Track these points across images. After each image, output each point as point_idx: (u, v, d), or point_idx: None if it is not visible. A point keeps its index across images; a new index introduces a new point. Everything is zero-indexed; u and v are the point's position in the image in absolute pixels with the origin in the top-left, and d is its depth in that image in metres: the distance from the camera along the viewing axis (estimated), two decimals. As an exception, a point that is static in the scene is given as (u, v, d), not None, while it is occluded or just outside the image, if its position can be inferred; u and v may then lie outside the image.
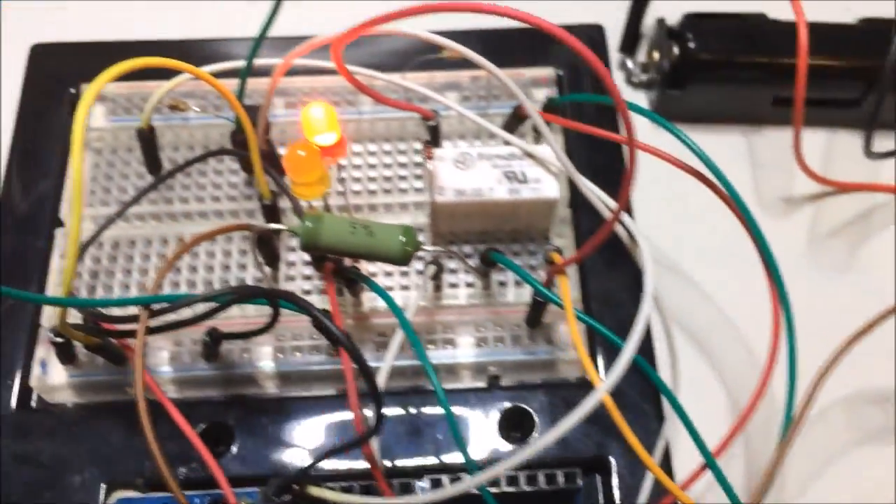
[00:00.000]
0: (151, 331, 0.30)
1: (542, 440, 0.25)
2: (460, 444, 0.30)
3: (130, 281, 0.38)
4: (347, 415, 0.35)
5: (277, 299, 0.30)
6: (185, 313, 0.31)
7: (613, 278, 0.38)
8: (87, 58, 0.44)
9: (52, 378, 0.35)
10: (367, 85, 0.41)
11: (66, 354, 0.35)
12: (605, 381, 0.26)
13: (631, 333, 0.27)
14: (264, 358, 0.36)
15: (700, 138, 0.43)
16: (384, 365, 0.31)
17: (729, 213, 0.33)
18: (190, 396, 0.36)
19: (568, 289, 0.32)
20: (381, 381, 0.30)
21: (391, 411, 0.35)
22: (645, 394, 0.36)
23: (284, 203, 0.37)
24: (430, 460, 0.34)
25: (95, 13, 0.50)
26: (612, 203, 0.34)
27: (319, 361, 0.36)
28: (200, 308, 0.31)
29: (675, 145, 0.33)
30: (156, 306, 0.30)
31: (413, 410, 0.35)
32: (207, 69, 0.38)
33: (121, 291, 0.37)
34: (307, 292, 0.37)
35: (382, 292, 0.32)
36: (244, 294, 0.29)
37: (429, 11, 0.28)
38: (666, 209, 0.42)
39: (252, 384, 0.36)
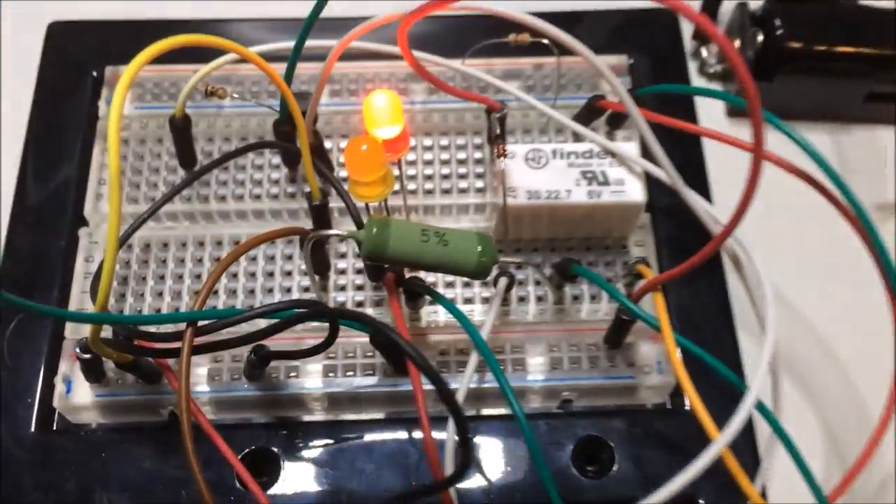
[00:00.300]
0: (197, 350, 0.27)
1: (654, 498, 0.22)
2: (549, 484, 0.27)
3: (163, 288, 0.34)
4: (402, 437, 0.31)
5: (339, 319, 0.26)
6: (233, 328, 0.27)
7: (695, 291, 0.34)
8: (111, 37, 0.41)
9: (77, 397, 0.32)
10: (427, 71, 0.37)
11: (93, 371, 0.31)
12: (723, 434, 0.22)
13: (752, 380, 0.24)
14: (313, 378, 0.32)
15: (781, 137, 0.40)
16: (461, 388, 0.27)
17: (831, 223, 0.30)
18: (229, 418, 0.33)
19: (664, 308, 0.28)
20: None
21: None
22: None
23: (334, 202, 0.33)
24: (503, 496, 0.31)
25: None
26: (715, 213, 0.30)
27: (373, 384, 0.32)
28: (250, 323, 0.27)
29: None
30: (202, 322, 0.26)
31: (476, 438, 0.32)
32: (258, 49, 0.34)
33: (152, 299, 0.34)
34: (360, 304, 0.33)
35: (456, 310, 0.28)
36: (307, 310, 0.26)
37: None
38: (758, 215, 0.38)
39: (298, 407, 0.33)
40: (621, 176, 0.32)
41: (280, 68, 0.30)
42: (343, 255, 0.34)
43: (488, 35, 0.36)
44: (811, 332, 0.36)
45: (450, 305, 0.29)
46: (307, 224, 0.34)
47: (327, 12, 0.36)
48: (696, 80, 0.42)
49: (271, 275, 0.34)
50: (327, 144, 0.37)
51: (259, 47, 0.34)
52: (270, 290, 0.34)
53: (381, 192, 0.28)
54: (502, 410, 0.33)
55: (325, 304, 0.27)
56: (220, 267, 0.26)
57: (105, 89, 0.39)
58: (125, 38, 0.41)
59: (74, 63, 0.40)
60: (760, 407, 0.26)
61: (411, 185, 0.36)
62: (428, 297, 0.31)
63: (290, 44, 0.31)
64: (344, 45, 0.29)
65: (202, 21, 0.41)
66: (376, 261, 0.27)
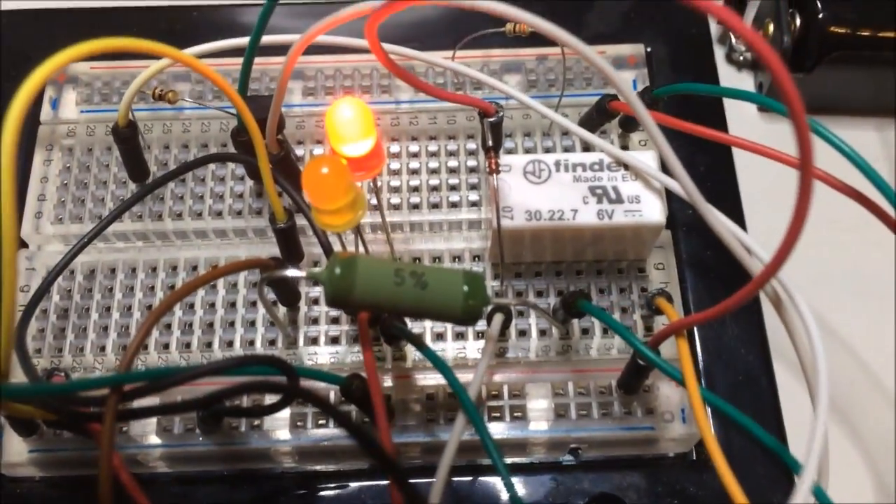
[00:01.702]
0: (124, 416, 0.22)
1: None
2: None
3: (109, 322, 0.29)
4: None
5: (295, 376, 0.22)
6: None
7: (728, 323, 0.30)
8: (59, 28, 0.36)
9: (9, 453, 0.28)
10: (408, 70, 0.32)
11: (23, 426, 0.27)
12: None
13: (808, 457, 0.19)
14: (279, 430, 0.28)
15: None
16: (439, 476, 0.22)
17: (879, 237, 0.25)
18: (188, 471, 0.28)
19: (688, 358, 0.23)
20: (437, 496, 0.22)
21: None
22: (775, 479, 0.27)
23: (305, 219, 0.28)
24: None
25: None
26: (748, 240, 0.25)
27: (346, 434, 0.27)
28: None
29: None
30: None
31: (469, 492, 0.27)
32: (202, 48, 0.29)
33: (96, 336, 0.29)
34: (335, 339, 0.29)
35: (440, 363, 0.24)
36: (260, 381, 0.21)
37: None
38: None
39: (265, 459, 0.28)
40: (637, 192, 0.27)
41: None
42: (316, 282, 0.30)
43: (485, 23, 0.31)
44: (856, 360, 0.31)
45: (434, 357, 0.24)
46: (276, 248, 0.29)
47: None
48: (724, 69, 0.37)
49: (233, 305, 0.30)
50: (300, 151, 0.32)
51: (213, 44, 0.29)
52: (231, 324, 0.29)
53: (350, 219, 0.24)
54: (511, 460, 0.28)
55: (282, 360, 0.22)
56: (152, 317, 0.22)
57: (49, 89, 0.34)
58: (78, 29, 0.36)
59: (19, 57, 0.35)
60: (818, 493, 0.21)
61: (395, 199, 0.31)
62: (411, 336, 0.26)
63: (244, 41, 0.26)
64: (303, 45, 0.24)
65: (166, 8, 0.37)
66: (341, 306, 0.23)
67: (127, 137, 0.29)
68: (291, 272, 0.23)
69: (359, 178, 0.25)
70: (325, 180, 0.23)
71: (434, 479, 0.22)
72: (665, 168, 0.25)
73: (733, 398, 0.28)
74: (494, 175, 0.27)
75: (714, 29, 0.36)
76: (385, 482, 0.26)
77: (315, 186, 0.23)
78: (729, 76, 0.36)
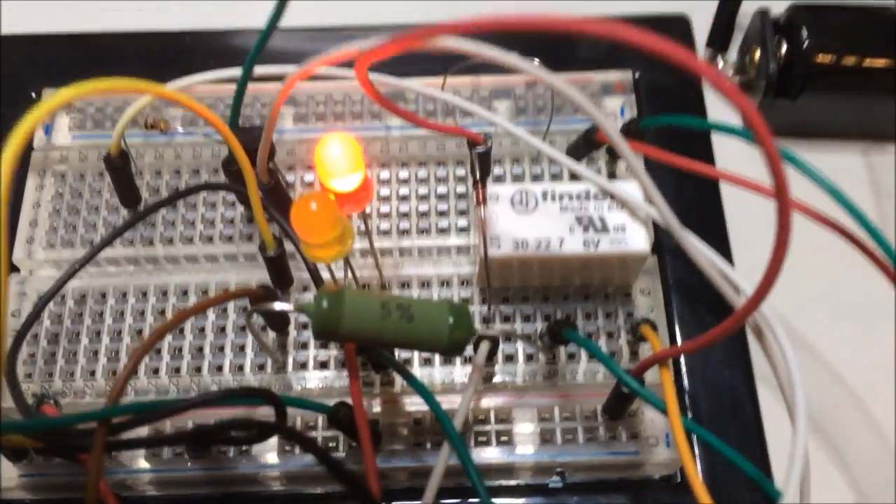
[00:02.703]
0: (112, 447, 0.23)
1: None
2: None
3: (99, 347, 0.30)
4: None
5: (283, 408, 0.22)
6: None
7: (712, 347, 0.30)
8: (55, 54, 0.37)
9: (1, 478, 0.28)
10: (399, 93, 0.33)
11: (14, 453, 0.27)
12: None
13: (786, 486, 0.19)
14: (267, 454, 0.28)
15: (808, 158, 0.35)
16: (432, 482, 0.23)
17: (855, 264, 0.25)
18: (177, 494, 0.29)
19: (672, 388, 0.24)
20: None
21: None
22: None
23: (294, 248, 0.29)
24: None
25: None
26: (738, 279, 0.25)
27: (339, 459, 0.28)
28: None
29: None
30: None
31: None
32: (190, 80, 0.30)
33: (87, 361, 0.29)
34: (323, 364, 0.29)
35: (426, 392, 0.24)
36: (241, 421, 0.21)
37: (487, 30, 0.20)
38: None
39: (253, 483, 0.28)
40: (622, 221, 0.27)
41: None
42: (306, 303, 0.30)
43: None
44: (839, 383, 0.32)
45: (418, 384, 0.25)
46: (266, 274, 0.29)
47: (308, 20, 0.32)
48: (711, 95, 0.37)
49: (223, 330, 0.30)
50: (291, 177, 0.32)
51: (205, 74, 0.29)
52: (221, 349, 0.29)
53: (338, 251, 0.24)
54: (499, 482, 0.29)
55: (269, 391, 0.22)
56: (141, 350, 0.22)
57: (43, 114, 0.34)
58: (72, 55, 0.37)
59: (13, 82, 0.36)
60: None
61: (384, 225, 0.31)
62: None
63: (232, 72, 0.27)
64: (291, 84, 0.24)
65: (158, 33, 0.37)
66: (329, 339, 0.23)
67: (119, 167, 0.30)
68: (279, 305, 0.23)
69: (347, 211, 0.25)
70: (314, 216, 0.23)
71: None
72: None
73: (717, 422, 0.29)
74: (482, 206, 0.27)
75: (702, 53, 0.37)
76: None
77: (304, 222, 0.23)
78: (716, 102, 0.37)
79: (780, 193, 0.17)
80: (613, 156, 0.32)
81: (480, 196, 0.27)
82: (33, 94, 0.35)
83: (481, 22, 0.20)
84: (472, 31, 0.22)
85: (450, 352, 0.23)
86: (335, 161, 0.24)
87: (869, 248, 0.25)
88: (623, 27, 0.17)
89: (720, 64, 0.37)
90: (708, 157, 0.33)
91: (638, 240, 0.27)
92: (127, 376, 0.22)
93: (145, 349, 0.22)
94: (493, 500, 0.27)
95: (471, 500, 0.28)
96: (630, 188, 0.28)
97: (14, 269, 0.31)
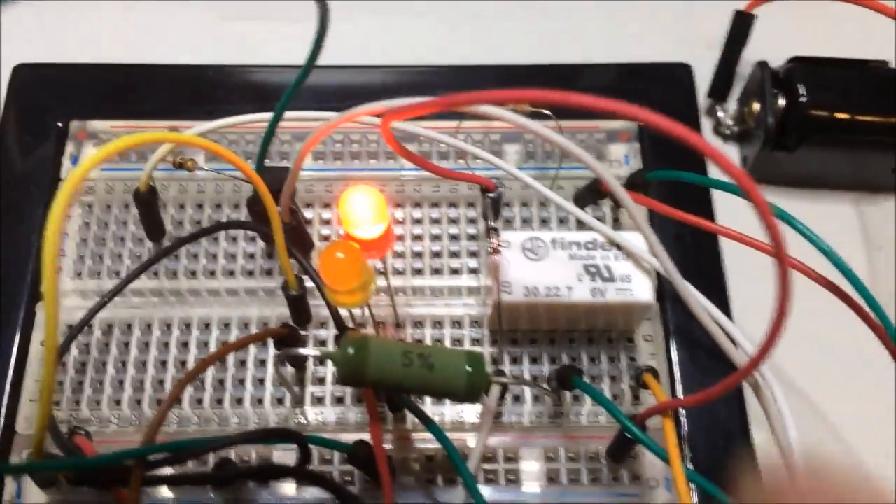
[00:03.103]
0: (146, 482, 0.24)
1: None
2: None
3: (125, 377, 0.31)
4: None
5: (308, 450, 0.24)
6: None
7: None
8: (80, 84, 0.38)
9: (28, 500, 0.29)
10: (407, 143, 0.34)
11: (42, 478, 0.28)
12: None
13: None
14: (286, 487, 0.29)
15: (801, 208, 0.36)
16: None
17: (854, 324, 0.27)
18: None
19: (674, 437, 0.25)
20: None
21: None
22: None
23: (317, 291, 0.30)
24: None
25: (103, 27, 0.42)
26: (738, 333, 0.27)
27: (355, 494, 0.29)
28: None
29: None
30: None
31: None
32: (224, 122, 0.31)
33: (112, 390, 0.31)
34: (339, 400, 0.31)
35: (442, 436, 0.26)
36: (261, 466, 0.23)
37: (514, 101, 0.22)
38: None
39: (272, 514, 0.30)
40: (628, 271, 0.29)
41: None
42: (323, 342, 0.31)
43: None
44: (834, 434, 0.33)
45: (436, 430, 0.26)
46: (285, 308, 0.31)
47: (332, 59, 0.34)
48: (711, 140, 0.39)
49: (243, 363, 0.31)
50: (309, 214, 0.34)
51: (232, 119, 0.31)
52: (241, 382, 0.31)
53: (362, 298, 0.25)
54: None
55: (297, 433, 0.24)
56: (173, 396, 0.23)
57: (70, 144, 0.35)
58: (98, 84, 0.38)
59: (40, 111, 0.37)
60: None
61: (398, 264, 0.33)
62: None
63: (266, 115, 0.28)
64: (318, 139, 0.26)
65: (182, 66, 0.38)
66: (353, 385, 0.24)
67: (147, 201, 0.31)
68: (306, 351, 0.25)
69: (370, 258, 0.27)
70: (341, 265, 0.24)
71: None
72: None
73: (716, 466, 0.30)
74: (496, 254, 0.28)
75: (702, 102, 0.38)
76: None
77: (331, 270, 0.25)
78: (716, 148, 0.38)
79: (780, 259, 0.19)
80: (618, 204, 0.33)
81: (494, 247, 0.28)
82: (59, 125, 0.36)
83: (509, 96, 0.22)
84: (501, 101, 0.24)
85: (467, 399, 0.25)
86: (360, 213, 0.25)
87: (861, 306, 0.26)
88: (632, 107, 0.19)
89: (720, 114, 0.38)
90: (707, 206, 0.35)
91: (643, 290, 0.29)
92: (162, 416, 0.23)
93: (178, 392, 0.23)
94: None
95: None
96: (634, 238, 0.29)
97: (41, 297, 0.32)
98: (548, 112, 0.31)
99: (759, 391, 0.25)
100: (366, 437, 0.27)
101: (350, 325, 0.29)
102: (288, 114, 0.30)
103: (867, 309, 0.26)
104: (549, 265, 0.29)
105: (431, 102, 0.23)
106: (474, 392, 0.24)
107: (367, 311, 0.30)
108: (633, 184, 0.31)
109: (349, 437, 0.28)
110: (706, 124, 0.39)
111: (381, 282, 0.32)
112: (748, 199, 0.19)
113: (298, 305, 0.30)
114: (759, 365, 0.22)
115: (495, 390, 0.27)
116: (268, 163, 0.34)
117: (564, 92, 0.20)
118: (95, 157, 0.22)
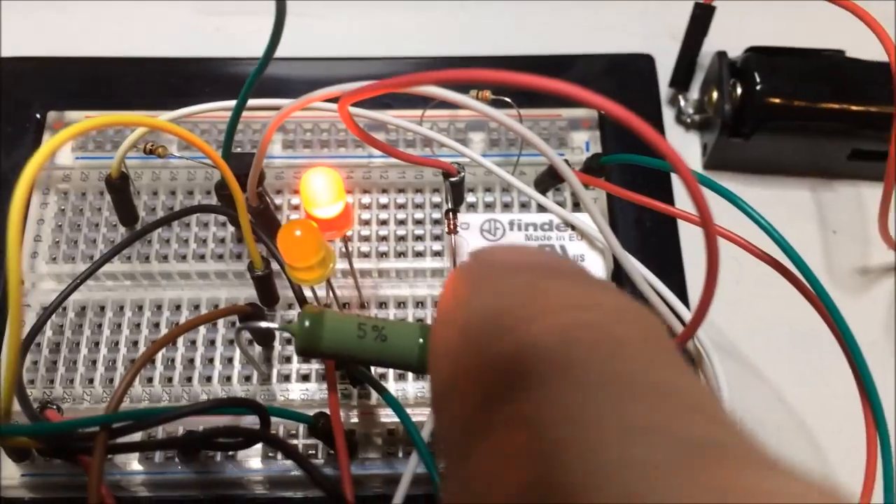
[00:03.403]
0: (111, 450, 0.25)
1: None
2: None
3: (98, 356, 0.32)
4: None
5: (267, 418, 0.25)
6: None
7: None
8: (59, 77, 0.39)
9: (3, 476, 0.30)
10: (375, 132, 0.35)
11: (17, 453, 0.29)
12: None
13: None
14: (252, 459, 0.30)
15: (760, 193, 0.38)
16: (400, 490, 0.25)
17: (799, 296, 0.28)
18: (165, 496, 0.31)
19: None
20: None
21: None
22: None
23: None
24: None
25: (81, 20, 0.43)
26: (681, 306, 0.28)
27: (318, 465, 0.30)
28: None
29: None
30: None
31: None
32: (192, 109, 0.32)
33: (86, 369, 0.32)
34: (305, 377, 0.32)
35: (397, 406, 0.27)
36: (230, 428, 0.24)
37: (458, 81, 0.23)
38: (724, 284, 0.35)
39: (239, 487, 0.31)
40: (582, 251, 0.30)
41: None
42: (290, 322, 0.32)
43: (455, 86, 0.34)
44: (784, 407, 0.34)
45: (390, 398, 0.27)
46: (254, 291, 0.32)
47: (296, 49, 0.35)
48: (672, 130, 0.40)
49: (212, 343, 0.32)
50: (278, 200, 0.35)
51: (198, 106, 0.32)
52: (210, 360, 0.32)
53: (321, 275, 0.26)
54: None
55: (256, 402, 0.25)
56: (138, 363, 0.24)
57: (47, 135, 0.37)
58: (76, 77, 0.39)
59: (20, 104, 0.38)
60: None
61: (364, 247, 0.34)
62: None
63: (224, 104, 0.29)
64: (277, 123, 0.27)
65: (165, 59, 0.39)
66: (310, 356, 0.25)
67: (119, 188, 0.32)
68: (265, 324, 0.26)
69: (329, 237, 0.28)
70: (298, 242, 0.25)
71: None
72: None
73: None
74: (453, 234, 0.29)
75: (664, 92, 0.39)
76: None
77: (289, 247, 0.26)
78: (677, 136, 0.39)
79: (706, 226, 0.20)
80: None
81: (452, 226, 0.29)
82: (38, 116, 0.37)
83: (453, 76, 0.23)
84: (446, 81, 0.25)
85: (420, 370, 0.26)
86: (318, 192, 0.26)
87: (800, 279, 0.27)
88: (558, 83, 0.20)
89: (682, 103, 0.39)
90: (668, 191, 0.36)
91: (595, 268, 0.30)
92: (126, 386, 0.24)
93: (143, 361, 0.24)
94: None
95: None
96: (588, 219, 0.30)
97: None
98: (507, 100, 0.32)
99: (700, 360, 0.26)
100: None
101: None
102: (258, 102, 0.31)
103: (805, 281, 0.27)
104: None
105: (381, 84, 0.24)
106: (427, 364, 0.25)
107: (331, 294, 0.31)
108: (589, 168, 0.32)
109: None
110: (669, 114, 0.40)
111: (345, 264, 0.33)
112: (673, 168, 0.20)
113: (265, 286, 0.31)
114: (694, 332, 0.23)
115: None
116: (242, 152, 0.35)
117: (507, 72, 0.21)
118: (62, 135, 0.23)
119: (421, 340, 0.25)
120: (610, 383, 0.14)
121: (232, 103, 0.30)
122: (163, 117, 0.32)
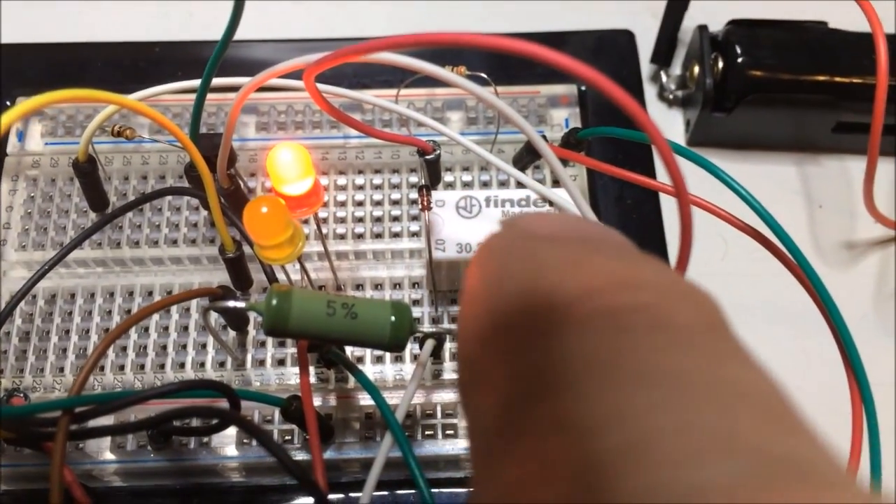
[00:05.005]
0: (76, 436, 0.24)
1: None
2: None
3: (68, 345, 0.31)
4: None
5: (236, 399, 0.24)
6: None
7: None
8: (28, 63, 0.38)
9: (-30, 468, 0.29)
10: (352, 112, 0.34)
11: (-15, 443, 0.28)
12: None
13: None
14: (226, 446, 0.30)
15: (745, 169, 0.37)
16: (366, 491, 0.24)
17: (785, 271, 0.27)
18: (139, 485, 0.30)
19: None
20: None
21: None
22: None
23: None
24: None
25: (49, 5, 0.42)
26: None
27: (295, 449, 0.29)
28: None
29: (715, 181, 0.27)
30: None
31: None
32: (159, 89, 0.31)
33: (56, 358, 0.31)
34: (280, 361, 0.31)
35: (372, 388, 0.26)
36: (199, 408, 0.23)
37: (423, 45, 0.22)
38: (710, 262, 0.35)
39: (213, 474, 0.30)
40: (560, 226, 0.29)
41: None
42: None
43: (432, 62, 0.33)
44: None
45: (364, 379, 0.26)
46: (227, 276, 0.31)
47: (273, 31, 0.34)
48: (654, 107, 0.39)
49: (185, 329, 0.31)
50: (252, 183, 0.34)
51: (166, 86, 0.31)
52: (184, 347, 0.31)
53: (290, 253, 0.26)
54: (447, 474, 0.30)
55: (223, 384, 0.24)
56: (105, 342, 0.24)
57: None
58: (43, 63, 0.38)
59: (-11, 90, 0.37)
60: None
61: (340, 229, 0.33)
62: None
63: (192, 83, 0.29)
64: (244, 96, 0.26)
65: (129, 44, 0.39)
66: (279, 336, 0.25)
67: (87, 171, 0.31)
68: (232, 303, 0.25)
69: (300, 215, 0.27)
70: (265, 219, 0.25)
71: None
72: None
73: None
74: (427, 211, 0.29)
75: (646, 69, 0.39)
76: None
77: (255, 224, 0.25)
78: (660, 113, 0.39)
79: (677, 188, 0.19)
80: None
81: (425, 202, 0.29)
82: (8, 104, 0.36)
83: (418, 39, 0.22)
84: (411, 46, 0.24)
85: (392, 348, 0.25)
86: (285, 168, 0.26)
87: (780, 249, 0.27)
88: (526, 44, 0.19)
89: (664, 78, 0.39)
90: (650, 166, 0.35)
91: (574, 244, 0.29)
92: (90, 368, 0.23)
93: (108, 342, 0.24)
94: (442, 490, 0.30)
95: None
96: (564, 194, 0.30)
97: (-9, 268, 0.33)
98: (484, 76, 0.32)
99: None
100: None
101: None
102: (227, 81, 0.30)
103: (789, 255, 0.27)
104: (483, 223, 0.30)
105: (346, 50, 0.23)
106: (399, 341, 0.25)
107: (305, 276, 0.30)
108: (567, 142, 0.32)
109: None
110: (651, 91, 0.39)
111: (319, 247, 0.32)
112: (649, 138, 0.19)
113: (237, 269, 0.30)
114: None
115: (428, 345, 0.28)
116: (213, 132, 0.34)
117: (476, 34, 0.20)
118: (21, 107, 0.22)
119: (393, 318, 0.25)
120: (670, 382, 0.11)
121: (195, 82, 0.30)
122: (131, 97, 0.31)
